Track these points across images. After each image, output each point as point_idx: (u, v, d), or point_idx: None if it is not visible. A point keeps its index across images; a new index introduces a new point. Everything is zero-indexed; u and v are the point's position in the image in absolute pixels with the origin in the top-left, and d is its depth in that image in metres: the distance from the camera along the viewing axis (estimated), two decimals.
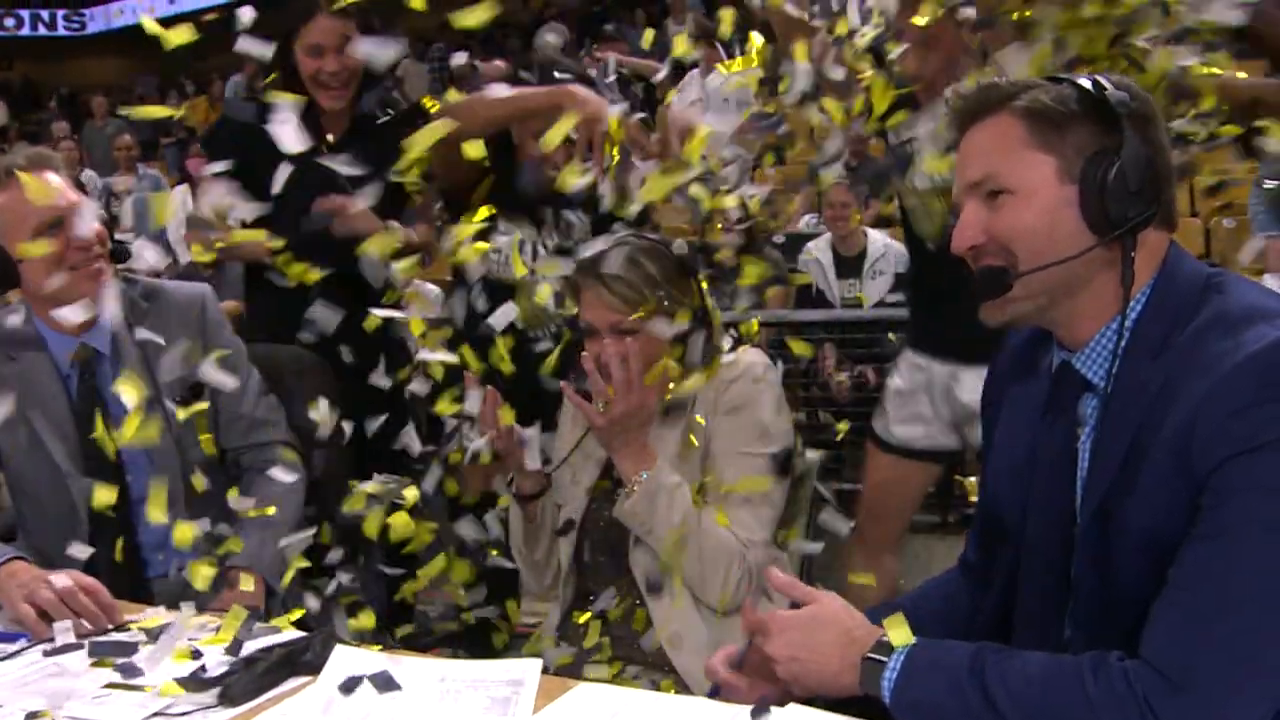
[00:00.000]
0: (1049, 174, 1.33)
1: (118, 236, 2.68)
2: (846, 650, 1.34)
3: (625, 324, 1.93)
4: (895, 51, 2.42)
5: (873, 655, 1.32)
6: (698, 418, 1.96)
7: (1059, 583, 1.39)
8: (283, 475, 2.10)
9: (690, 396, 1.98)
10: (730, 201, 2.33)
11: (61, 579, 1.72)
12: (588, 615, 2.00)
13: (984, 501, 1.58)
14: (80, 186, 2.19)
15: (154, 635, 1.66)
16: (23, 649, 1.63)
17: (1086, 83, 1.34)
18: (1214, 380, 1.20)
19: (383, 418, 2.25)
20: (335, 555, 2.09)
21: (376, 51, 2.47)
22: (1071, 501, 1.38)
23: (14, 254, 2.03)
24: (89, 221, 2.09)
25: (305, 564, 2.00)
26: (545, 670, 1.44)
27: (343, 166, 2.28)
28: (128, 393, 1.90)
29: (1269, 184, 2.97)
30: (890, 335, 4.87)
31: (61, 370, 2.14)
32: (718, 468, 1.93)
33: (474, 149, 2.23)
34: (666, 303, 1.94)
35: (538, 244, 2.69)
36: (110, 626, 1.71)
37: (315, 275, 2.45)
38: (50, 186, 2.07)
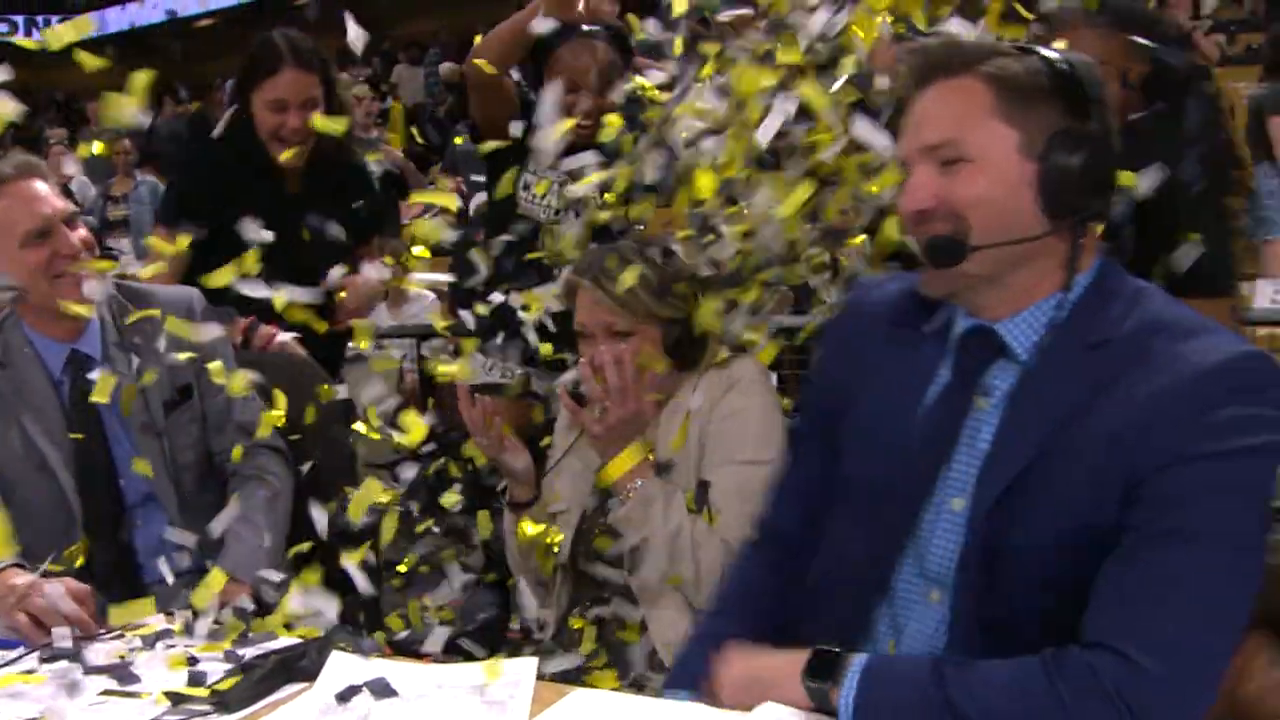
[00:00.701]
0: (1010, 147, 1.31)
1: (110, 243, 2.68)
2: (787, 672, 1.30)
3: (619, 326, 1.94)
4: None
5: (822, 658, 1.28)
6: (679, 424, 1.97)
7: (899, 537, 1.39)
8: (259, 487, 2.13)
9: (685, 403, 1.98)
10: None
11: (54, 586, 1.72)
12: (581, 621, 2.00)
13: (809, 470, 1.57)
14: (69, 193, 2.19)
15: (150, 642, 1.66)
16: (20, 655, 1.63)
17: (1056, 56, 1.33)
18: (1179, 381, 1.22)
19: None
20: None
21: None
22: (938, 467, 1.37)
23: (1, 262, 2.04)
24: (77, 230, 2.10)
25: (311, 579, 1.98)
26: (541, 676, 1.44)
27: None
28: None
29: None
30: None
31: (53, 376, 2.14)
32: (713, 475, 1.93)
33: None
34: (662, 307, 1.95)
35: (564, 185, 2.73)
36: (104, 633, 1.70)
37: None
38: (37, 195, 2.07)
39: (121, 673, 1.54)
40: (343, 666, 1.48)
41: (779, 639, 1.40)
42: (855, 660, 1.26)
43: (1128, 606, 1.18)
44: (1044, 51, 1.34)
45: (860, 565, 1.44)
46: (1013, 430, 1.32)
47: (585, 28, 2.59)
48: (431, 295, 5.61)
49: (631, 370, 1.89)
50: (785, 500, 1.62)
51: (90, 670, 1.55)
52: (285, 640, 1.63)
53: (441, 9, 17.95)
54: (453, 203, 2.24)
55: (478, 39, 2.75)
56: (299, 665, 1.50)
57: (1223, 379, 1.21)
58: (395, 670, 1.46)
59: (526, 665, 1.45)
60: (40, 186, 2.09)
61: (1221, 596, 1.18)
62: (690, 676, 1.45)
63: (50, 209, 2.08)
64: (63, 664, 1.58)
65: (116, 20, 22.10)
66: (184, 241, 2.31)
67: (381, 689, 1.41)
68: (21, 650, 1.65)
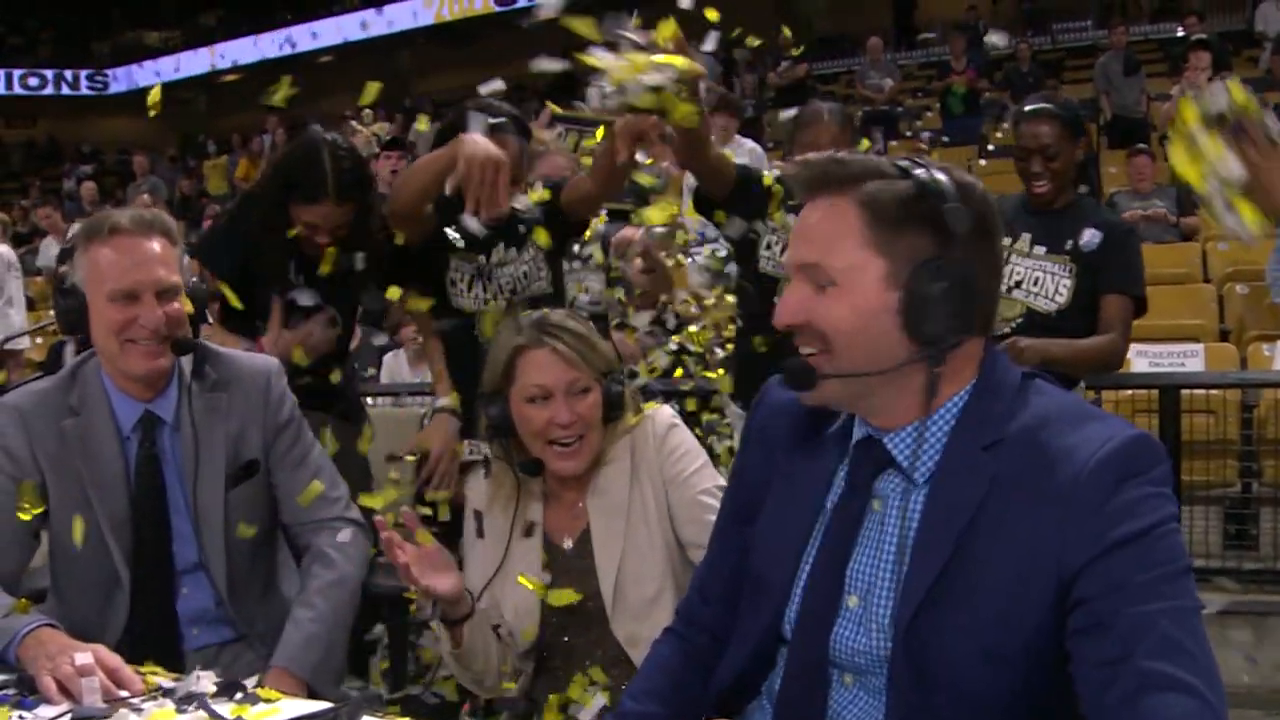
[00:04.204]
0: (876, 277, 1.33)
1: None
2: None
3: (582, 383, 1.95)
4: None
5: None
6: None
7: (822, 655, 1.38)
8: (327, 570, 2.10)
9: (627, 462, 2.00)
10: None
11: (84, 656, 1.71)
12: (575, 693, 1.95)
13: (730, 562, 1.56)
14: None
15: (169, 692, 1.67)
16: (52, 718, 1.63)
17: (932, 180, 1.33)
18: (1080, 473, 1.24)
19: None
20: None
21: None
22: (841, 575, 1.37)
23: (90, 304, 2.03)
24: (170, 304, 2.04)
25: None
26: None
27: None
28: None
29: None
30: None
31: (122, 432, 2.09)
32: (690, 517, 1.97)
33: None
34: (607, 361, 1.99)
35: (482, 277, 2.85)
36: (127, 695, 1.68)
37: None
38: (142, 257, 2.03)
39: None
40: None
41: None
42: None
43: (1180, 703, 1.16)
44: (922, 174, 1.34)
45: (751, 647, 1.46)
46: (919, 541, 1.32)
47: (493, 120, 2.66)
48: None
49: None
50: (705, 592, 1.61)
51: None
52: (316, 705, 1.64)
53: (462, 66, 18.23)
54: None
55: None
56: None
57: (1120, 465, 1.25)
58: None
59: None
60: (153, 247, 2.03)
61: (1206, 639, 1.21)
62: None
63: (145, 275, 2.01)
64: None
65: (144, 76, 22.48)
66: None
67: None
68: (53, 714, 1.65)
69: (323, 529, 2.16)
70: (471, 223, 2.47)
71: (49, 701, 1.67)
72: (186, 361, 2.12)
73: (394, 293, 2.71)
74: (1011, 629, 1.25)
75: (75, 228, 2.15)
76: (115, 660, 1.73)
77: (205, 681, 1.71)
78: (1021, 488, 1.27)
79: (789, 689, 1.42)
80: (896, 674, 1.31)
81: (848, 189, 1.34)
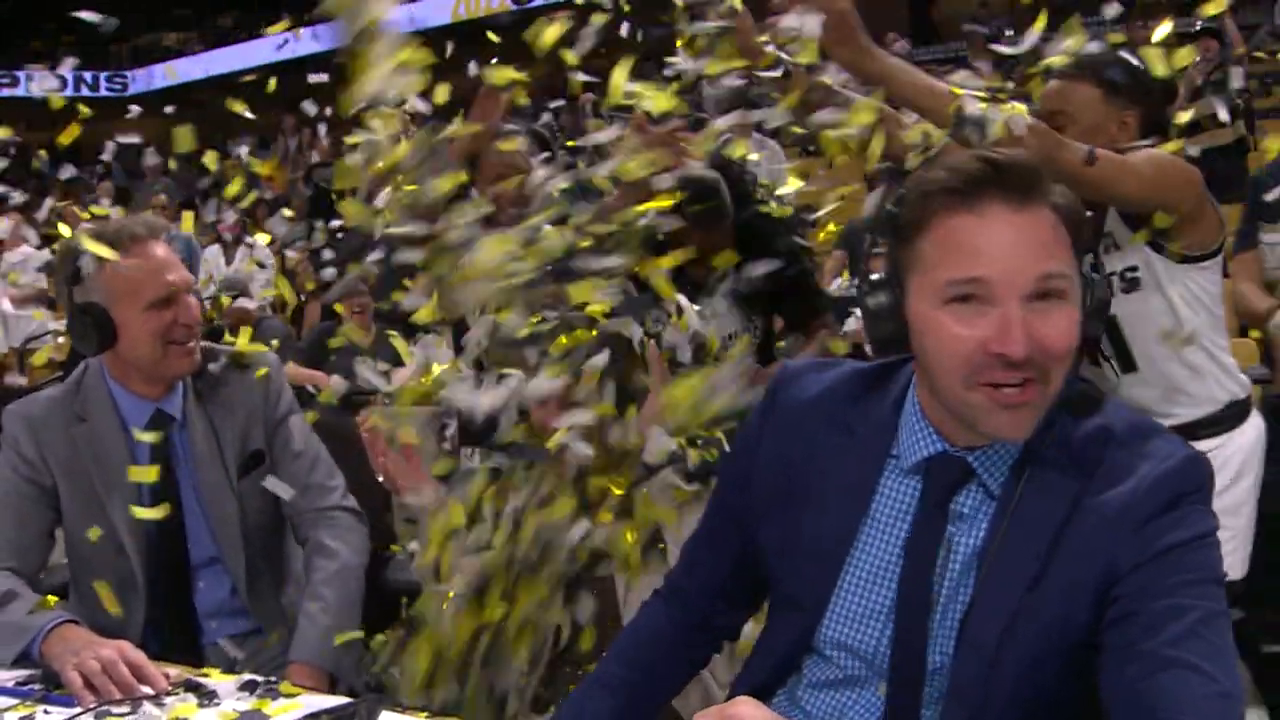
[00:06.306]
0: (1075, 290, 1.29)
1: None
2: None
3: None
4: None
5: None
6: None
7: (917, 676, 1.36)
8: (329, 561, 2.13)
9: None
10: None
11: (108, 651, 1.73)
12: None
13: (729, 559, 1.54)
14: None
15: (192, 688, 1.70)
16: (78, 713, 1.66)
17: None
18: (1139, 489, 1.27)
19: None
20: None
21: None
22: (928, 595, 1.34)
23: (117, 318, 2.04)
24: (196, 300, 2.10)
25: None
26: None
27: None
28: None
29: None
30: None
31: (131, 434, 2.12)
32: None
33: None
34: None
35: None
36: (151, 692, 1.70)
37: None
38: (166, 261, 2.08)
39: None
40: None
41: (672, 689, 1.50)
42: None
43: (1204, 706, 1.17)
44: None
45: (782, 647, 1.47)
46: (1002, 559, 1.31)
47: (506, 127, 2.77)
48: None
49: None
50: (698, 570, 1.59)
51: None
52: (336, 700, 1.65)
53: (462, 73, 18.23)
54: None
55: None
56: None
57: (1175, 484, 1.27)
58: None
59: None
60: (166, 249, 2.09)
61: (1231, 642, 1.23)
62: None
63: (177, 276, 2.08)
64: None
65: (163, 77, 22.57)
66: None
67: None
68: (79, 708, 1.67)
69: (320, 520, 2.20)
70: None
71: (75, 696, 1.69)
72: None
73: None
74: (1064, 630, 1.27)
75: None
76: (139, 656, 1.75)
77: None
78: (1089, 505, 1.28)
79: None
80: (960, 685, 1.31)
81: (1048, 196, 1.28)
